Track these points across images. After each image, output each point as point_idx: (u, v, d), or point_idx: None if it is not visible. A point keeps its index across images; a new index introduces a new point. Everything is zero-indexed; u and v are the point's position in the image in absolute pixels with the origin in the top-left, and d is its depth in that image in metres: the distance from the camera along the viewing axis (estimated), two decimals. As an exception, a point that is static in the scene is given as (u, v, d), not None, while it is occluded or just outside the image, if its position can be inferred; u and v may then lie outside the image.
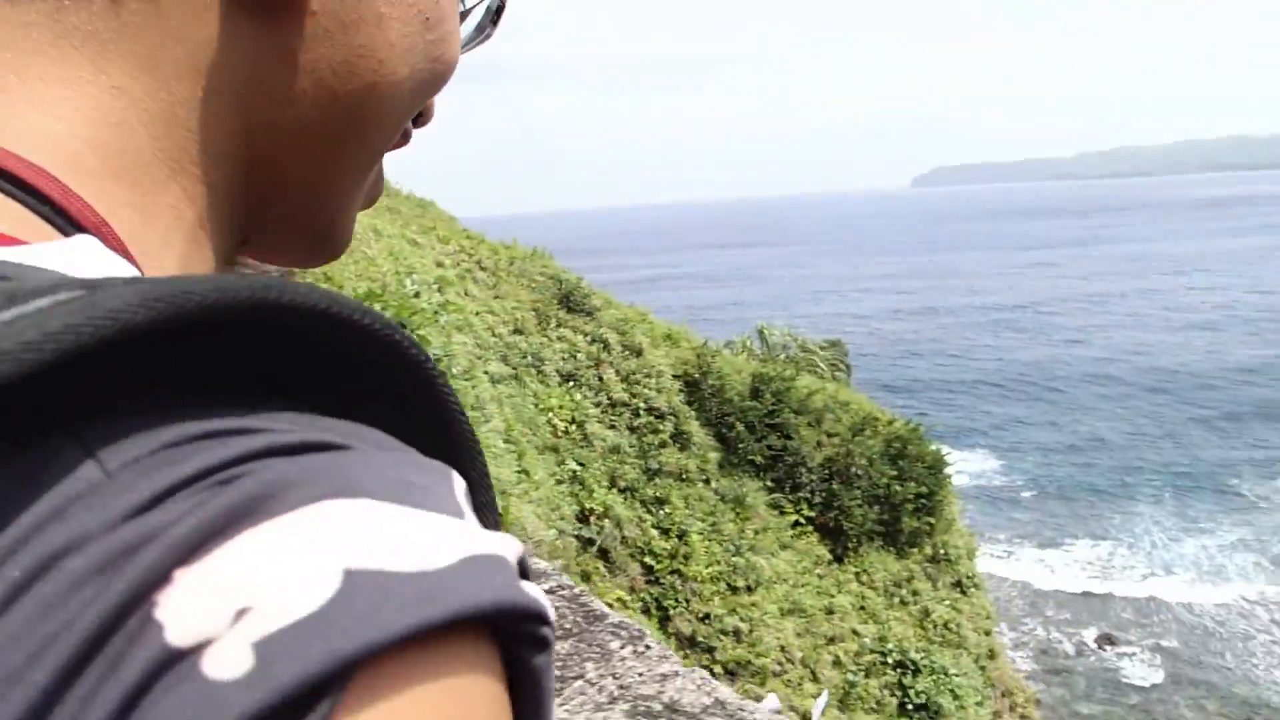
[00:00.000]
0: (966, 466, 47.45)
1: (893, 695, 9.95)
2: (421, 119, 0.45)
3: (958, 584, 11.00)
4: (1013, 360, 69.17)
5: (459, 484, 0.29)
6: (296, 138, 0.38)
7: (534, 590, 0.27)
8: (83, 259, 0.30)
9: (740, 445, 11.33)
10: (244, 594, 0.23)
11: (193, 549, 0.23)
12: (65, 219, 0.32)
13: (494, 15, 0.50)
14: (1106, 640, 32.85)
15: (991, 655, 10.87)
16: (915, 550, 10.83)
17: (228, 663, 0.22)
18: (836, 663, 9.99)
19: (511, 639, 0.27)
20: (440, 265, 10.07)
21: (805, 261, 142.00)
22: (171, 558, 0.23)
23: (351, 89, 0.38)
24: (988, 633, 10.96)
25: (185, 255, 0.36)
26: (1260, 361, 64.20)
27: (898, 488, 10.51)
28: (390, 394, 0.32)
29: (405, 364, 0.32)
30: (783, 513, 11.14)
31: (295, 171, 0.39)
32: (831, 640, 10.13)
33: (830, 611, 10.29)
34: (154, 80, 0.34)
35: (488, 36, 0.51)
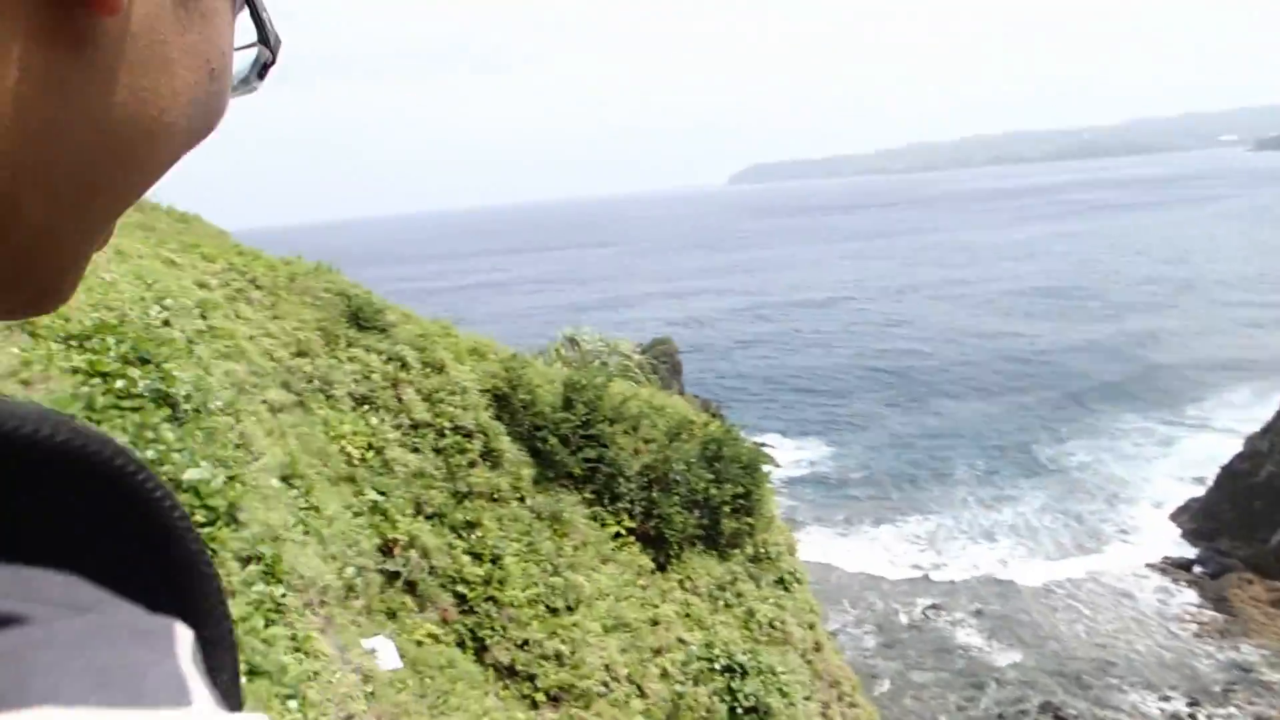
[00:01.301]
0: (802, 455, 49.06)
1: (722, 701, 9.72)
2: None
3: (780, 581, 10.95)
4: (837, 349, 72.31)
5: (184, 644, 0.25)
6: (48, 176, 0.32)
7: None
8: None
9: (555, 459, 10.84)
10: None
11: None
12: None
13: (261, 70, 0.45)
14: (935, 610, 34.59)
15: (817, 648, 10.87)
16: (737, 551, 10.69)
17: None
18: (664, 674, 9.68)
19: None
20: (204, 287, 9.05)
21: (628, 262, 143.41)
22: None
23: (124, 134, 0.34)
24: (812, 626, 10.97)
25: None
26: (1065, 344, 69.26)
27: (715, 490, 10.32)
28: (121, 533, 0.29)
29: (144, 503, 0.29)
30: (603, 525, 10.75)
31: (37, 213, 0.33)
32: (658, 652, 9.82)
33: (655, 622, 9.98)
34: None
35: (252, 90, 0.46)
